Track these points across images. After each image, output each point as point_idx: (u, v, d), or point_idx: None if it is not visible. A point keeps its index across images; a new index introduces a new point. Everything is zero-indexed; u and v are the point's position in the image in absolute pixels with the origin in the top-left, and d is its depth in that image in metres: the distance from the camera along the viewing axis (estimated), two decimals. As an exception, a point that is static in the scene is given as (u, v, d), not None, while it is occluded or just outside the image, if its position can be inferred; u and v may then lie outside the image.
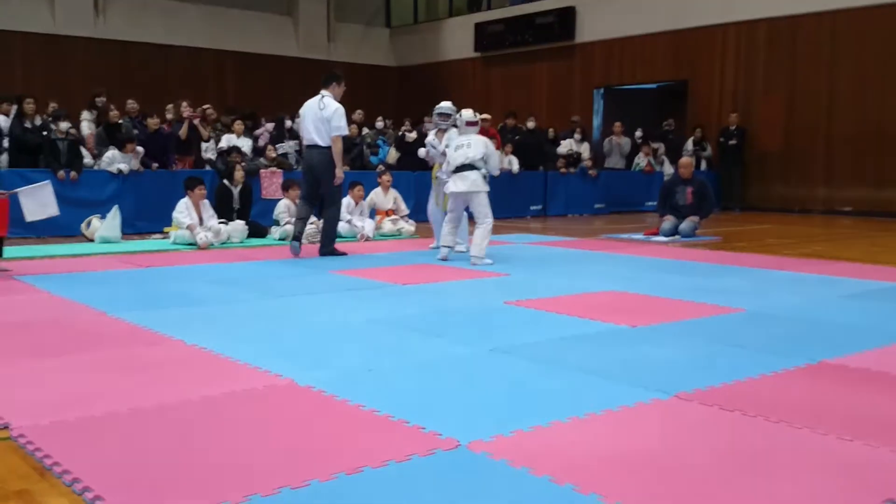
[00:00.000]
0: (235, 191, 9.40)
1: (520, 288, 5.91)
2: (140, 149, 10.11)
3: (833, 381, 3.48)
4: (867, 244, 9.51)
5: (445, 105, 8.34)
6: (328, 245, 7.84)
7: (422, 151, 8.64)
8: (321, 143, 7.54)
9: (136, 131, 10.76)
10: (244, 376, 3.45)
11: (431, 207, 8.49)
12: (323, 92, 7.61)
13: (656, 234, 9.87)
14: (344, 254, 7.85)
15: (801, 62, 14.47)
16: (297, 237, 7.71)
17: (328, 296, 5.57)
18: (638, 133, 15.63)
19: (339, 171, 7.58)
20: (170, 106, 11.62)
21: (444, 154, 7.89)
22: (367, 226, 9.57)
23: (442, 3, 21.80)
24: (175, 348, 3.97)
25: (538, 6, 18.51)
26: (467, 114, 7.72)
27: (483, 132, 12.84)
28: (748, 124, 15.10)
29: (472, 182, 7.30)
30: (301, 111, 7.78)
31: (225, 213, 9.18)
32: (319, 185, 7.67)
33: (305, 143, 7.79)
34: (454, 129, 8.02)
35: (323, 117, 7.48)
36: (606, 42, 17.25)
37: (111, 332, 4.32)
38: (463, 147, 7.41)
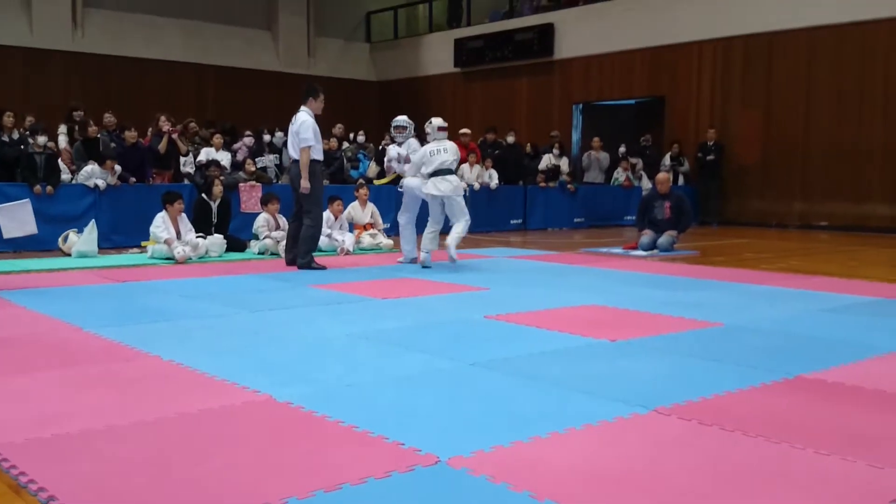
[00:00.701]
0: (214, 205, 9.36)
1: (500, 302, 5.91)
2: (118, 167, 10.03)
3: (811, 395, 3.50)
4: (844, 258, 9.61)
5: (401, 119, 8.69)
6: (305, 257, 7.82)
7: (396, 167, 8.81)
8: (295, 155, 7.74)
9: (113, 144, 10.68)
10: (221, 392, 3.42)
11: (405, 219, 8.49)
12: (302, 107, 7.80)
13: (635, 248, 9.92)
14: (323, 267, 7.81)
15: (777, 78, 14.65)
16: (287, 250, 7.99)
17: (307, 310, 5.55)
18: (622, 149, 15.73)
19: (305, 182, 7.64)
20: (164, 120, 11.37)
21: (407, 161, 8.25)
22: (348, 240, 9.55)
23: (422, 18, 21.89)
24: (152, 364, 3.93)
25: (517, 23, 18.63)
26: (439, 121, 8.12)
27: (460, 148, 13.01)
28: (725, 139, 15.25)
29: (455, 187, 7.82)
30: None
31: (203, 227, 9.13)
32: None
33: (290, 159, 7.96)
34: (413, 140, 8.44)
35: (293, 131, 7.73)
36: (585, 58, 17.38)
37: (87, 348, 4.27)
38: (440, 152, 7.87)
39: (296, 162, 7.76)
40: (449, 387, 3.56)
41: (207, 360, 3.95)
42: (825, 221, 14.08)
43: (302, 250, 7.86)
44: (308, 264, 7.80)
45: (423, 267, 7.90)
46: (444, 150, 7.93)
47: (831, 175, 14.04)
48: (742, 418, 3.11)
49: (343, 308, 5.66)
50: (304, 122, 7.65)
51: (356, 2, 21.70)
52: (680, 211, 9.97)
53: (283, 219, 9.58)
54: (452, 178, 7.86)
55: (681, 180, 15.48)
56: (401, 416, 3.11)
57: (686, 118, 16.02)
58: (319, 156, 7.81)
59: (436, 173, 7.83)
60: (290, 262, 7.96)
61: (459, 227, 7.93)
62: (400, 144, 8.61)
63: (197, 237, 8.78)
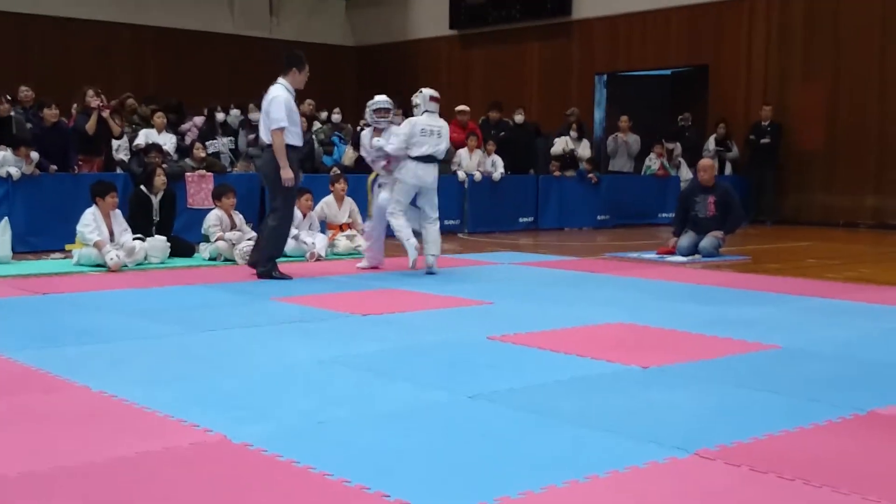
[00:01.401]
0: (155, 199, 9.36)
1: (506, 319, 5.91)
2: (35, 154, 9.94)
3: (886, 434, 3.51)
4: (926, 265, 9.65)
5: (382, 99, 8.67)
6: (267, 264, 7.80)
7: (366, 156, 8.84)
8: (266, 139, 7.73)
9: (29, 125, 10.67)
10: (164, 431, 3.42)
11: (374, 221, 8.56)
12: (279, 79, 7.78)
13: (672, 252, 9.94)
14: (288, 277, 7.81)
15: (847, 44, 14.67)
16: (253, 250, 8.08)
17: (269, 329, 5.54)
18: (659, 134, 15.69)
19: (285, 172, 7.61)
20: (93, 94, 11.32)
21: (380, 151, 8.26)
22: (318, 242, 9.56)
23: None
24: (78, 396, 3.92)
25: (527, -26, 18.66)
26: (430, 90, 8.23)
27: (457, 129, 13.08)
28: (783, 119, 15.29)
29: (436, 178, 8.09)
30: None
31: (142, 226, 9.13)
32: None
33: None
34: (395, 127, 8.40)
35: (264, 109, 7.71)
36: (610, 19, 17.41)
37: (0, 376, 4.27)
38: (433, 134, 8.03)
39: (265, 148, 7.80)
40: (443, 425, 3.55)
41: (147, 392, 3.94)
42: (904, 220, 14.14)
43: (263, 255, 7.84)
44: (269, 272, 7.78)
45: (428, 273, 8.06)
46: (437, 133, 8.06)
47: (912, 163, 14.09)
48: (803, 463, 3.11)
49: (313, 327, 5.64)
50: (275, 97, 7.62)
51: (330, -51, 21.73)
52: (727, 207, 9.98)
53: (241, 216, 9.60)
54: (435, 166, 8.09)
55: (728, 169, 15.53)
56: (384, 461, 3.11)
57: (734, 93, 16.06)
58: (296, 140, 7.80)
59: (420, 158, 7.96)
60: (254, 264, 7.95)
61: (436, 232, 8.19)
62: (380, 132, 8.48)
63: (134, 239, 8.78)
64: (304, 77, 7.89)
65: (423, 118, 8.12)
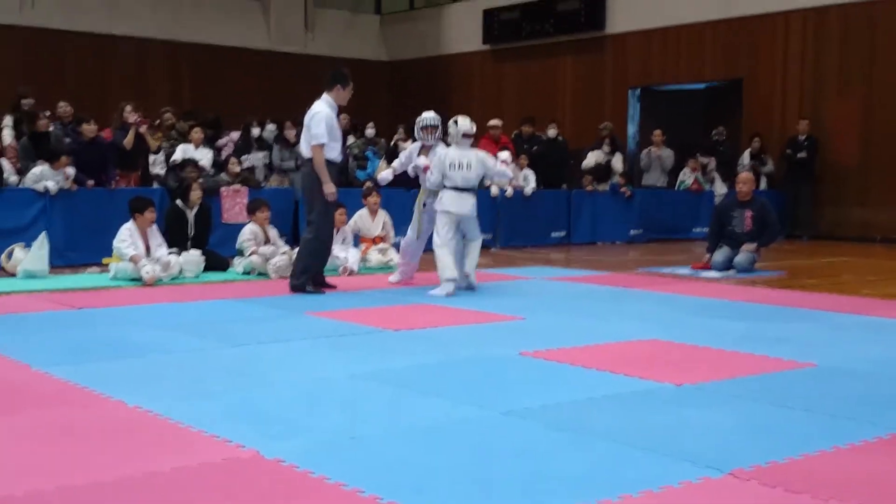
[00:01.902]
0: (191, 214, 9.44)
1: (539, 335, 5.90)
2: (71, 169, 9.99)
3: (925, 454, 3.47)
4: (966, 281, 9.51)
5: (430, 116, 8.61)
6: (300, 277, 7.85)
7: (397, 166, 8.89)
8: (306, 153, 7.86)
9: (67, 139, 10.81)
10: (198, 446, 3.44)
11: (410, 238, 8.55)
12: (323, 95, 7.90)
13: (707, 267, 9.88)
14: (321, 291, 7.87)
15: (883, 58, 14.57)
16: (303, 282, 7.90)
17: (302, 344, 5.56)
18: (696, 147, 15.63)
19: (327, 186, 7.72)
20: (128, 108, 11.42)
21: (425, 170, 8.30)
22: (351, 257, 9.59)
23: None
24: (113, 411, 3.95)
25: (561, -11, 18.68)
26: (465, 124, 8.13)
27: (489, 143, 13.12)
28: (819, 133, 15.16)
29: (473, 207, 8.07)
30: None
31: (178, 240, 9.21)
32: None
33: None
34: (441, 146, 8.40)
35: (306, 124, 7.81)
36: (644, 33, 17.38)
37: (35, 391, 4.32)
38: (462, 168, 8.00)
39: (305, 161, 7.92)
40: (476, 441, 3.55)
41: (181, 407, 3.96)
42: (944, 234, 13.96)
43: (297, 268, 7.92)
44: (302, 286, 7.83)
45: (468, 288, 8.07)
46: (467, 166, 8.01)
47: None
48: (840, 484, 3.08)
49: (346, 341, 5.66)
50: (316, 113, 7.74)
51: (364, -36, 21.88)
52: (764, 221, 9.91)
53: (275, 231, 9.65)
54: (470, 196, 8.07)
55: (763, 183, 15.40)
56: (416, 477, 3.11)
57: (770, 107, 15.96)
58: (335, 155, 7.91)
59: (455, 188, 7.99)
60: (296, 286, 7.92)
61: (477, 248, 8.25)
62: (428, 149, 8.49)
63: (169, 253, 8.85)
64: (348, 94, 7.99)
65: (452, 151, 8.08)
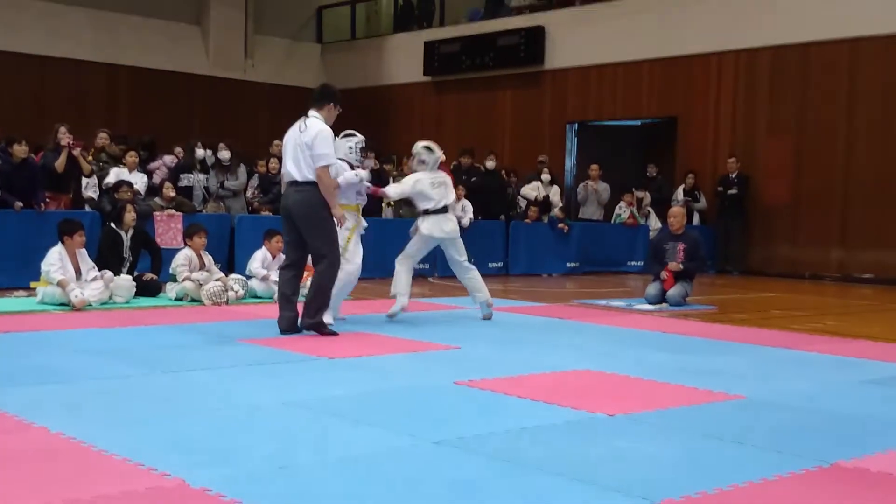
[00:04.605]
0: (126, 237, 9.29)
1: (473, 364, 5.89)
2: None
3: (850, 487, 3.50)
4: (891, 319, 9.73)
5: (362, 137, 8.27)
6: (315, 315, 6.98)
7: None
8: (299, 177, 6.95)
9: (-2, 161, 10.57)
10: (121, 475, 3.36)
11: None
12: (311, 112, 7.12)
13: (670, 272, 9.87)
14: (335, 333, 7.02)
15: (812, 99, 14.93)
16: (281, 317, 7.11)
17: (233, 371, 5.49)
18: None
19: (337, 210, 7.03)
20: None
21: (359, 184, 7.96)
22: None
23: (385, 16, 22.09)
24: (36, 437, 3.86)
25: (501, 24, 18.87)
26: (440, 152, 8.29)
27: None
28: (750, 170, 15.46)
29: (454, 227, 8.20)
30: (284, 139, 7.22)
31: (112, 263, 9.05)
32: (301, 235, 7.05)
33: (284, 179, 7.22)
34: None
35: (303, 143, 6.93)
36: (581, 69, 17.62)
37: (-47, 416, 4.19)
38: (441, 185, 8.14)
39: (295, 184, 6.99)
40: (407, 471, 3.52)
41: (106, 434, 3.88)
42: (869, 273, 14.28)
43: (312, 307, 6.99)
44: (318, 325, 7.00)
45: (390, 317, 7.93)
46: (445, 186, 8.17)
47: (877, 217, 14.26)
48: (767, 515, 3.10)
49: (279, 369, 5.60)
50: (321, 131, 6.92)
51: (306, -7, 21.89)
52: (693, 256, 10.06)
53: (209, 257, 9.53)
54: (452, 215, 8.24)
55: (696, 219, 15.66)
56: (346, 507, 3.07)
57: (703, 144, 16.26)
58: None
59: (438, 210, 8.06)
60: (288, 328, 7.05)
61: (475, 273, 8.30)
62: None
63: (99, 277, 8.66)
64: (336, 113, 7.26)
65: (426, 174, 8.14)
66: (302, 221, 6.98)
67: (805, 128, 15.03)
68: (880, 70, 14.24)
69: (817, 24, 14.72)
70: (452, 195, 8.34)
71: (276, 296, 9.20)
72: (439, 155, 8.24)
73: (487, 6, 19.89)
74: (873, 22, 14.19)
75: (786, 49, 15.17)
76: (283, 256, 9.77)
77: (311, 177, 6.93)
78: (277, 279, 9.34)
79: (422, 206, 8.11)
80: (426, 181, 8.10)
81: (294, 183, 7.00)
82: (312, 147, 6.91)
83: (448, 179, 8.33)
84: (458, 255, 8.22)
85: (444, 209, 8.12)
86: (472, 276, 8.28)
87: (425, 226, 8.06)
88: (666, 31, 16.39)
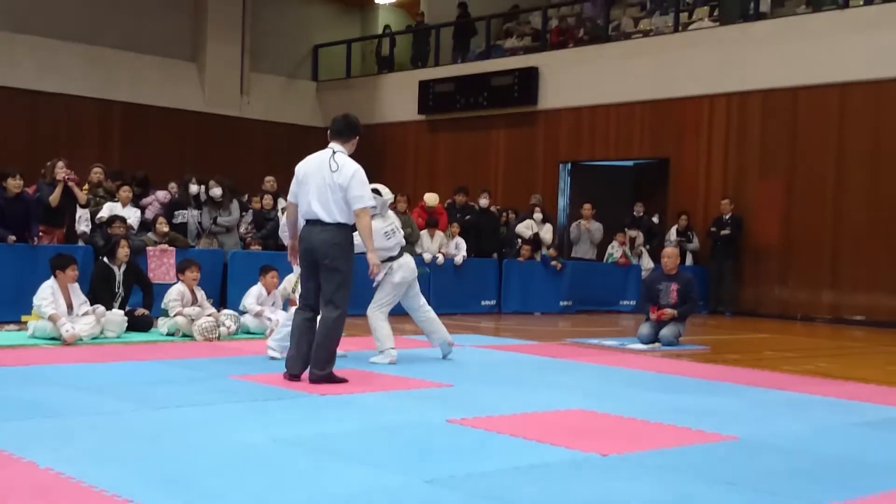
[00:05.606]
0: (119, 272, 9.26)
1: (466, 403, 5.87)
2: None
3: (844, 529, 3.49)
4: (883, 361, 9.72)
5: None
6: (325, 366, 6.51)
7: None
8: (326, 217, 6.44)
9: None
10: (111, 511, 3.32)
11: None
12: (333, 146, 6.61)
13: (663, 314, 9.85)
14: (344, 380, 6.58)
15: (803, 142, 14.99)
16: (290, 358, 6.65)
17: (224, 408, 5.46)
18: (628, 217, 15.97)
19: (373, 257, 6.60)
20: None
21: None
22: (282, 319, 9.45)
23: (380, 55, 22.24)
24: (24, 473, 3.82)
25: (495, 65, 19.02)
26: (389, 193, 8.08)
27: (424, 212, 13.26)
28: (742, 212, 15.53)
29: (415, 267, 8.01)
30: (300, 171, 6.63)
31: (104, 298, 9.01)
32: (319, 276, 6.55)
33: (303, 216, 6.64)
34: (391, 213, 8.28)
35: (335, 183, 6.43)
36: (574, 110, 17.72)
37: (-59, 450, 4.15)
38: (397, 231, 7.95)
39: (320, 223, 6.48)
40: (399, 510, 3.49)
41: (95, 470, 3.84)
42: (861, 315, 14.28)
43: (321, 356, 6.50)
44: (329, 377, 6.52)
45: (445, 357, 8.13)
46: (397, 229, 7.97)
47: (868, 260, 14.28)
48: (761, 558, 3.08)
49: (270, 406, 5.57)
50: (357, 171, 6.48)
51: (301, 33, 22.02)
52: (686, 297, 10.07)
53: (202, 292, 9.51)
54: (409, 257, 8.09)
55: (689, 259, 15.68)
56: (337, 546, 3.04)
57: (695, 186, 16.32)
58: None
59: (399, 256, 7.88)
60: (295, 375, 6.58)
61: (436, 319, 8.18)
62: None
63: (91, 311, 8.63)
64: (354, 146, 6.82)
65: (378, 222, 7.58)
66: (328, 260, 6.44)
67: (796, 170, 15.09)
68: (869, 114, 14.34)
69: (806, 68, 14.83)
70: (401, 234, 8.03)
71: (267, 330, 9.23)
72: (388, 197, 7.96)
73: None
74: (861, 67, 14.32)
75: (776, 93, 15.27)
76: (276, 293, 9.84)
77: (340, 219, 6.47)
78: (272, 316, 9.43)
79: (393, 252, 7.85)
80: (380, 233, 7.54)
81: (319, 223, 6.48)
82: (349, 189, 6.43)
83: (397, 221, 8.14)
84: (416, 297, 8.08)
85: (403, 250, 7.97)
86: (430, 315, 8.13)
87: (398, 276, 7.81)
88: (658, 74, 16.52)
